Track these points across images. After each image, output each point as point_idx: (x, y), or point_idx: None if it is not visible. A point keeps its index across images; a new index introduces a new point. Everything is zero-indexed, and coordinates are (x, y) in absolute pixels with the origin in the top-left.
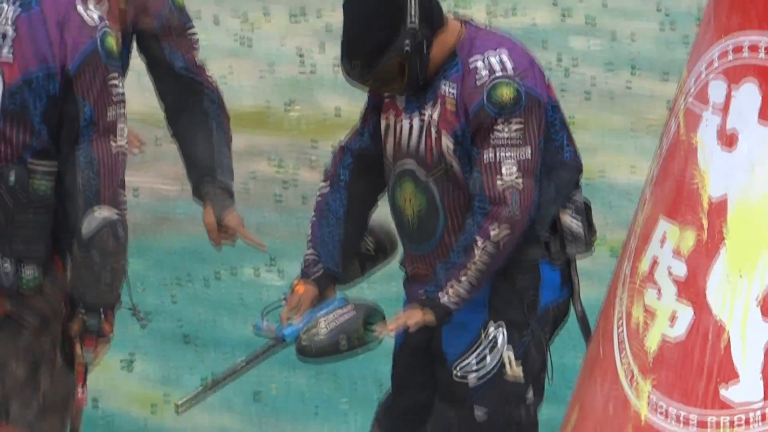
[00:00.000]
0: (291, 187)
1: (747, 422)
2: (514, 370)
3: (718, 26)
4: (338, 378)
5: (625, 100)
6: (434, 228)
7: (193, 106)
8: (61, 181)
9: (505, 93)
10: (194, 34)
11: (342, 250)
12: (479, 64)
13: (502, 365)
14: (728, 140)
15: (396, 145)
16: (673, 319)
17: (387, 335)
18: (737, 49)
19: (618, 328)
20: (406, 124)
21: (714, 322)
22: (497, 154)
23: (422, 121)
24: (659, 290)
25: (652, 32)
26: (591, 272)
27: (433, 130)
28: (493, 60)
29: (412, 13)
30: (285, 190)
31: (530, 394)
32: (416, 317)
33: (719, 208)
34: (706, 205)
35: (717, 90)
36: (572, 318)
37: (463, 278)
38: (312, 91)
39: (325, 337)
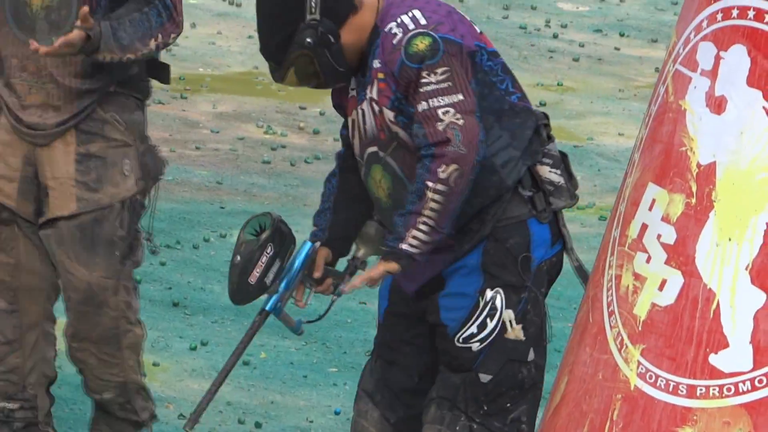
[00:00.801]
0: (279, 150)
1: (737, 390)
2: (516, 332)
3: None
4: (327, 344)
5: (613, 65)
6: (405, 201)
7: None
8: None
9: (421, 44)
10: None
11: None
12: (393, 27)
13: (503, 328)
14: (717, 105)
15: (361, 137)
16: (662, 285)
17: (352, 289)
18: (726, 13)
19: (607, 293)
20: (360, 112)
21: (703, 288)
22: (430, 103)
23: (368, 103)
24: (648, 256)
25: None
26: (580, 237)
27: (375, 108)
28: (406, 18)
29: (312, 5)
30: (273, 152)
31: (531, 354)
32: (378, 269)
33: (708, 173)
34: (694, 170)
35: (705, 54)
36: (560, 283)
37: (421, 223)
38: None
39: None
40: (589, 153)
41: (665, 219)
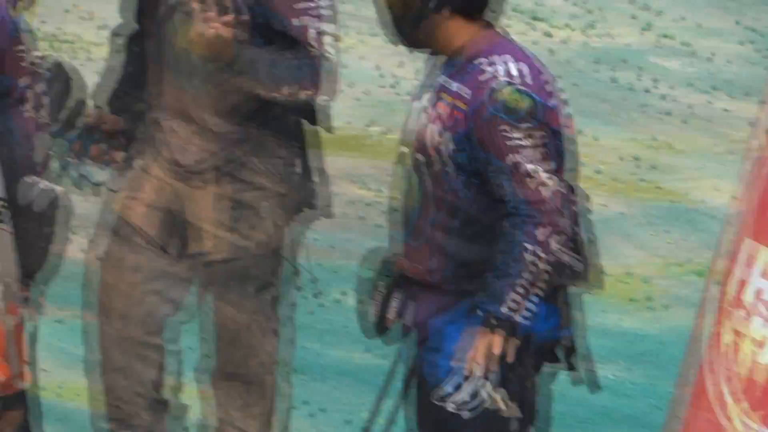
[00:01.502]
0: (374, 205)
1: None
2: (511, 409)
3: None
4: None
5: (706, 119)
6: (416, 223)
7: None
8: None
9: (522, 102)
10: None
11: None
12: (498, 69)
13: (495, 403)
14: None
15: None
16: (762, 343)
17: (476, 366)
18: None
19: (708, 351)
20: (418, 106)
21: None
22: (521, 160)
23: (431, 113)
24: (748, 313)
25: (732, 49)
26: (678, 295)
27: (437, 126)
28: (513, 68)
29: None
30: (367, 208)
31: (514, 426)
32: (496, 342)
33: None
34: None
35: None
36: (660, 341)
37: (520, 287)
38: (393, 109)
39: None
40: (685, 209)
41: (764, 275)
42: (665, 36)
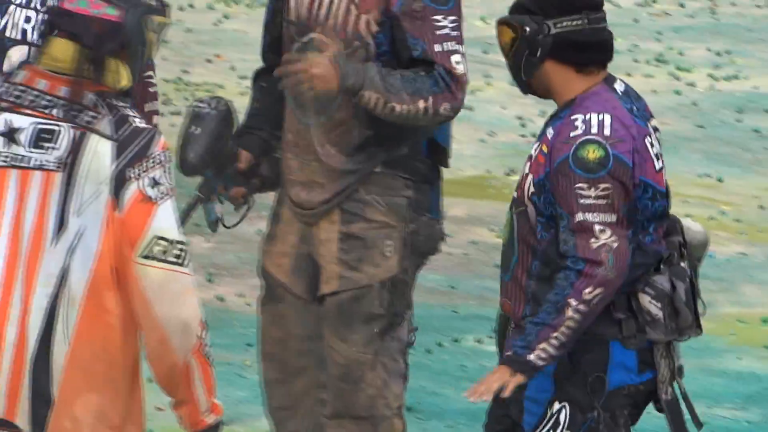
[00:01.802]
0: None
1: None
2: None
3: None
4: None
5: None
6: (509, 261)
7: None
8: None
9: (593, 153)
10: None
11: None
12: (579, 120)
13: None
14: None
15: None
16: None
17: (480, 399)
18: None
19: None
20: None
21: None
22: (586, 216)
23: (532, 153)
24: None
25: None
26: None
27: (527, 166)
28: (594, 119)
29: (560, 23)
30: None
31: None
32: (510, 381)
33: None
34: None
35: None
36: None
37: (554, 338)
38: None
39: None
40: None
41: None
42: None
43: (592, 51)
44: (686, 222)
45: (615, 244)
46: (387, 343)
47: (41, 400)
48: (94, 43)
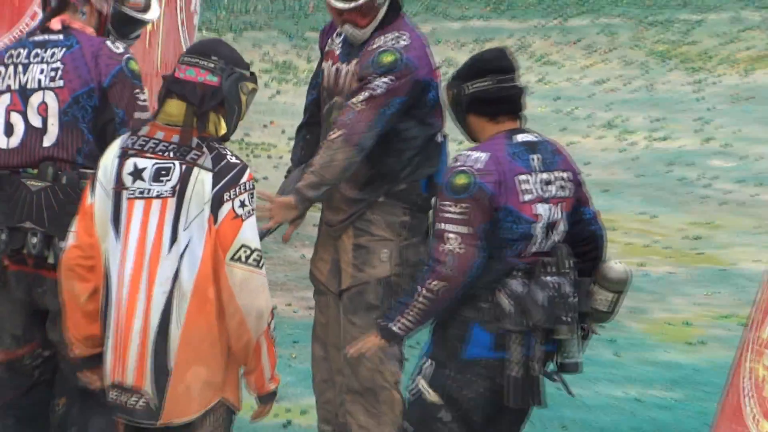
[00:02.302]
0: None
1: None
2: (431, 396)
3: None
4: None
5: (751, 207)
6: None
7: None
8: None
9: (459, 180)
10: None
11: None
12: (465, 155)
13: (422, 391)
14: None
15: None
16: None
17: (357, 354)
18: None
19: (744, 381)
20: None
21: None
22: (445, 226)
23: None
24: None
25: (765, 151)
26: (725, 338)
27: None
28: (473, 155)
29: (473, 85)
30: None
31: (448, 416)
32: (371, 343)
33: None
34: None
35: None
36: (707, 373)
37: (409, 314)
38: None
39: None
40: (733, 275)
41: None
42: (723, 144)
43: (500, 105)
44: (610, 263)
45: (460, 251)
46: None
47: (162, 372)
48: (198, 102)
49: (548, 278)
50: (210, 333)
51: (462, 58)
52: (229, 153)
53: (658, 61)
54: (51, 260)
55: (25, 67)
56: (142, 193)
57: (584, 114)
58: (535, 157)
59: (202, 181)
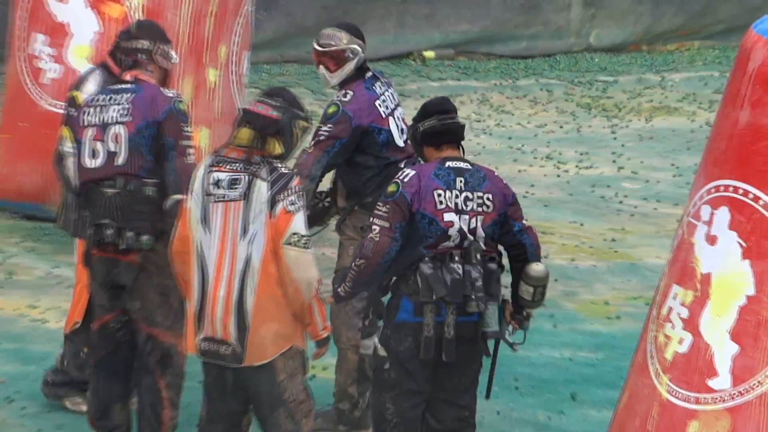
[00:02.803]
0: None
1: (722, 400)
2: (380, 351)
3: (706, 174)
4: None
5: (654, 218)
6: None
7: None
8: (162, 190)
9: (390, 188)
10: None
11: None
12: (401, 172)
13: (376, 346)
14: (712, 240)
15: None
16: (681, 341)
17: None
18: (717, 188)
19: (650, 345)
20: None
21: (704, 343)
22: (373, 220)
23: None
24: (673, 325)
25: (670, 178)
26: (636, 314)
27: None
28: (406, 171)
29: (423, 123)
30: None
31: (388, 365)
32: (330, 302)
33: (706, 279)
34: (699, 277)
35: (706, 211)
36: (627, 340)
37: (347, 282)
38: None
39: None
40: (640, 267)
41: (683, 304)
42: (632, 171)
43: (442, 136)
44: (532, 264)
45: (377, 238)
46: (348, 305)
47: (242, 328)
48: (261, 129)
49: (455, 265)
50: (275, 298)
51: None
52: (282, 167)
53: (583, 111)
54: (122, 246)
55: (105, 108)
56: (220, 198)
57: (530, 149)
58: (459, 179)
59: (261, 188)
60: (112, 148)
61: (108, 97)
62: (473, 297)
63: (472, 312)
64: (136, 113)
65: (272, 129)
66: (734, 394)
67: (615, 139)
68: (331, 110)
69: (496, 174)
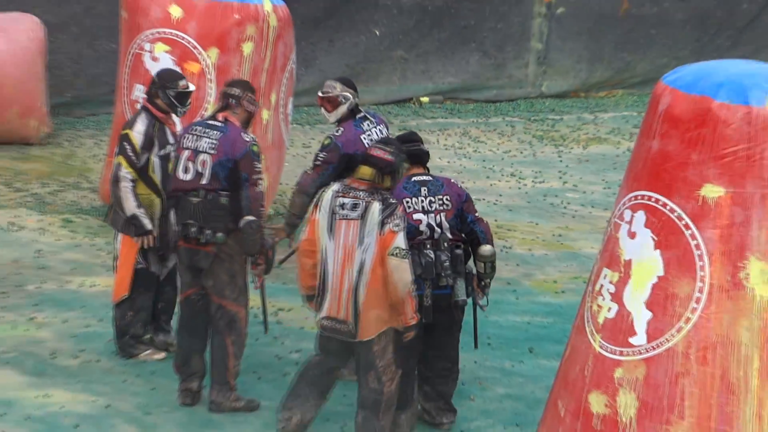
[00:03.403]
0: None
1: (640, 353)
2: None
3: (627, 187)
4: None
5: (589, 219)
6: None
7: None
8: (233, 201)
9: (325, 140)
10: None
11: None
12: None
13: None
14: (632, 235)
15: None
16: (609, 309)
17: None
18: (635, 197)
19: (586, 313)
20: None
21: (626, 311)
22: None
23: None
24: (603, 297)
25: (601, 190)
26: (576, 289)
27: None
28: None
29: (406, 149)
30: None
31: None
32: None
33: (628, 264)
34: (623, 262)
35: (627, 214)
36: (563, 307)
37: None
38: None
39: None
40: (580, 255)
41: (611, 282)
42: (573, 185)
43: (413, 158)
44: (482, 246)
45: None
46: None
47: (356, 311)
48: (381, 169)
49: (428, 252)
50: (379, 292)
51: (434, 139)
52: (390, 197)
53: (537, 141)
54: (202, 240)
55: (199, 138)
56: (344, 217)
57: (498, 169)
58: (423, 188)
59: (374, 212)
60: (200, 170)
61: (203, 129)
62: (443, 274)
63: (444, 285)
64: (221, 149)
65: (388, 169)
66: (648, 348)
67: (561, 161)
68: (326, 142)
69: (452, 180)
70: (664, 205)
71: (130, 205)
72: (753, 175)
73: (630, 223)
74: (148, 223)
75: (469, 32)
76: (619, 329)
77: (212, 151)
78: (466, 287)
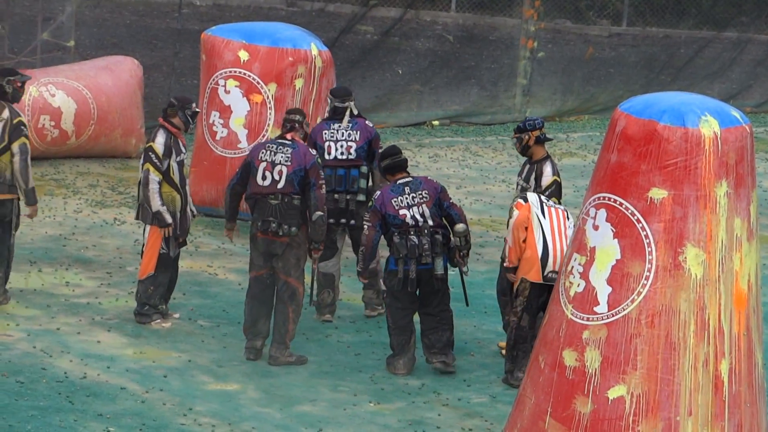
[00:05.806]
0: None
1: (603, 318)
2: (382, 285)
3: (592, 190)
4: None
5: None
6: None
7: None
8: (303, 200)
9: (370, 203)
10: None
11: None
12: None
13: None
14: (596, 228)
15: None
16: (579, 285)
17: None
18: (599, 198)
19: (561, 287)
20: None
21: (592, 287)
22: (365, 221)
23: None
24: (574, 276)
25: (572, 192)
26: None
27: None
28: (374, 192)
29: (382, 162)
30: None
31: (387, 294)
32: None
33: (593, 250)
34: (589, 248)
35: (592, 211)
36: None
37: (361, 260)
38: None
39: None
40: None
41: (580, 264)
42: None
43: (394, 169)
44: (457, 225)
45: (367, 232)
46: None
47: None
48: None
49: (412, 237)
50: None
51: (442, 153)
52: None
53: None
54: (280, 233)
55: (274, 152)
56: (550, 205)
57: (493, 177)
58: (407, 188)
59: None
60: (276, 178)
61: (276, 147)
62: (423, 254)
63: (425, 263)
64: (294, 161)
65: None
66: (609, 315)
67: None
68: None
69: (429, 178)
70: (621, 204)
71: (156, 203)
72: (689, 181)
73: (594, 218)
74: (168, 218)
75: (470, 71)
76: (586, 300)
77: (288, 163)
78: (448, 261)
